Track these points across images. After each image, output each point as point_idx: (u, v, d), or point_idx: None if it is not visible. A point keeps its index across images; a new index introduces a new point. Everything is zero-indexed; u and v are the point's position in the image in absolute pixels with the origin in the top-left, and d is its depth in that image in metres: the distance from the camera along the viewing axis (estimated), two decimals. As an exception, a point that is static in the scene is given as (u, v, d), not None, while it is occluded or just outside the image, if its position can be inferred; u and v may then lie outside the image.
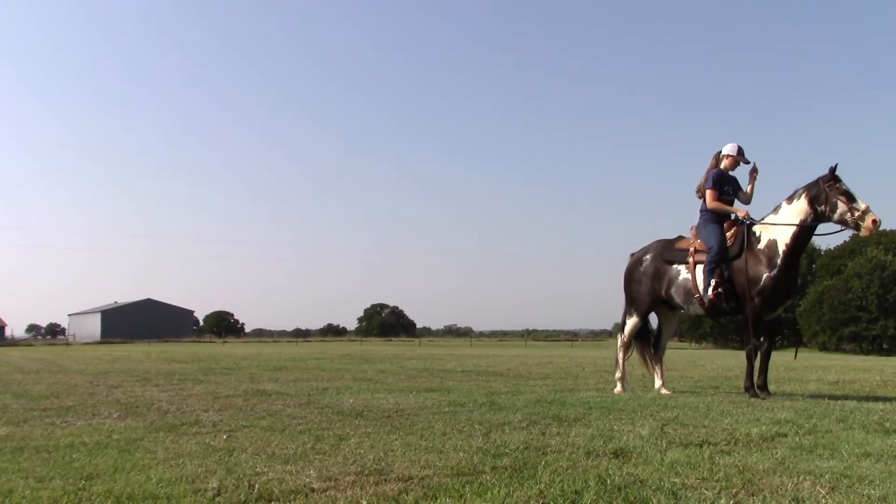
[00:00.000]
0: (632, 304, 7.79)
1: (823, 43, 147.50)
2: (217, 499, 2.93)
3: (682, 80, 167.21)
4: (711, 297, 6.94)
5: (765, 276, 6.71)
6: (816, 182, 6.73)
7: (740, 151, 7.36)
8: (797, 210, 6.77)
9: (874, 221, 6.41)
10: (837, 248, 60.60)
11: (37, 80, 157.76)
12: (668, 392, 7.38)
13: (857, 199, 6.49)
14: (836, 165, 6.61)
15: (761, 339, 6.87)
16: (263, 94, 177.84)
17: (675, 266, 7.37)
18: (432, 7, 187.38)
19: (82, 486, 3.14)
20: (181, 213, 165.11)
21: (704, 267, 7.02)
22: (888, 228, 58.54)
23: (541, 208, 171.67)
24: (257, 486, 3.08)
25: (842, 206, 6.52)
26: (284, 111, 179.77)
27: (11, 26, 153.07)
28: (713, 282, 6.93)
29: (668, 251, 7.49)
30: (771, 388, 7.99)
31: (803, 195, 6.78)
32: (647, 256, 7.68)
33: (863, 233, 6.56)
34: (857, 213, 6.46)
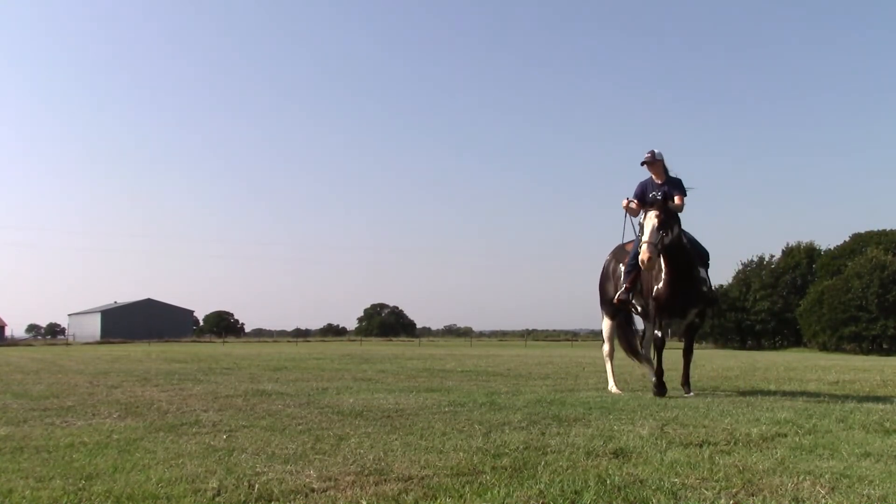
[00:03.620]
0: (602, 305, 8.14)
1: (822, 43, 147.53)
2: (217, 499, 2.93)
3: (685, 79, 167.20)
4: (617, 300, 7.40)
5: (655, 287, 7.04)
6: None
7: (650, 154, 7.59)
8: None
9: (643, 260, 6.56)
10: (837, 248, 60.60)
11: (37, 80, 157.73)
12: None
13: (645, 233, 6.68)
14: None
15: (662, 333, 7.18)
16: (264, 94, 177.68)
17: (621, 265, 7.77)
18: (433, 6, 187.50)
19: (82, 486, 3.14)
20: (181, 213, 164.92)
21: (624, 269, 7.46)
22: (888, 228, 58.61)
23: (541, 208, 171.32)
24: (257, 486, 3.08)
25: (638, 234, 6.90)
26: (285, 111, 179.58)
27: (11, 26, 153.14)
28: (625, 286, 7.31)
29: (620, 251, 7.93)
30: (771, 387, 8.01)
31: None
32: (610, 258, 8.15)
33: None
34: (640, 245, 6.75)
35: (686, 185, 7.49)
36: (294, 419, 5.25)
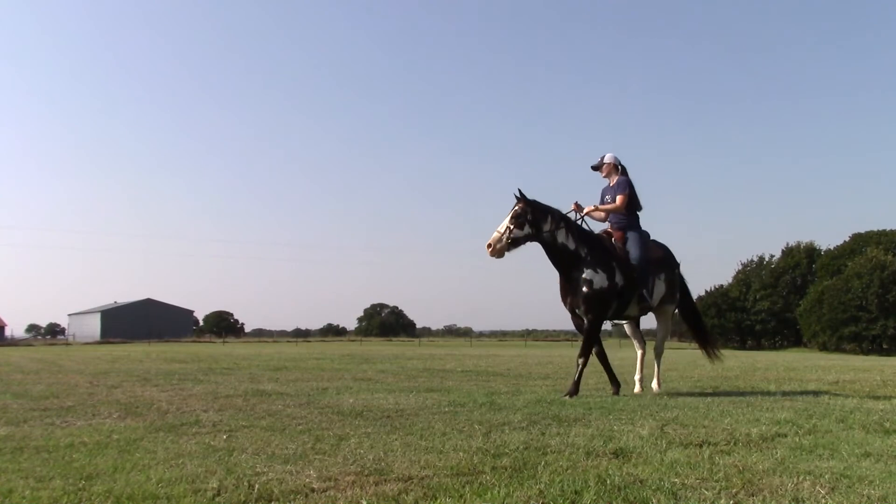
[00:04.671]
0: None
1: (822, 43, 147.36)
2: (217, 499, 2.93)
3: (685, 80, 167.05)
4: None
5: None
6: None
7: (600, 159, 7.68)
8: None
9: (488, 245, 6.86)
10: (837, 248, 60.60)
11: (37, 80, 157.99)
12: (656, 388, 7.55)
13: (503, 222, 6.93)
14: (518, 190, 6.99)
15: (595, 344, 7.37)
16: (263, 93, 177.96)
17: None
18: (433, 7, 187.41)
19: (82, 486, 3.14)
20: (181, 213, 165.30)
21: None
22: (888, 228, 58.55)
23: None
24: (257, 486, 3.08)
25: None
26: (284, 111, 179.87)
27: (11, 26, 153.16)
28: None
29: None
30: (771, 387, 8.02)
31: None
32: None
33: None
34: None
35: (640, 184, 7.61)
36: (294, 419, 5.24)
